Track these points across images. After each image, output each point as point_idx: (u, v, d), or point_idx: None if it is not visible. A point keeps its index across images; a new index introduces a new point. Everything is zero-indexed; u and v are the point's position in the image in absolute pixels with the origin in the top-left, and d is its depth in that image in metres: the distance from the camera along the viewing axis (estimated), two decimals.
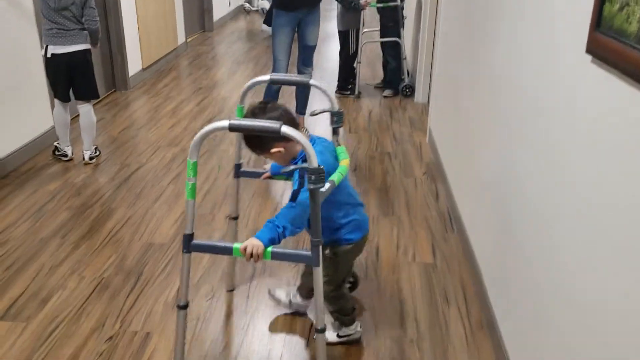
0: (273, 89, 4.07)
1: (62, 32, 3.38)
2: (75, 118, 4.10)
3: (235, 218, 2.38)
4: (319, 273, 1.69)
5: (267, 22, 7.31)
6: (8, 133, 3.58)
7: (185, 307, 1.80)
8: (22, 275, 2.52)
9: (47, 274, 2.53)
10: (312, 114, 1.96)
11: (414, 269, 2.61)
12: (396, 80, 5.21)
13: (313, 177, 1.54)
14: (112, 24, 5.10)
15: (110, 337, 2.16)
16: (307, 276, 2.22)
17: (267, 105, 1.83)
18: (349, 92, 5.23)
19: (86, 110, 3.62)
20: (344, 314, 2.11)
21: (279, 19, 3.97)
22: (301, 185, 1.72)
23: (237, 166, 2.25)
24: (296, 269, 2.59)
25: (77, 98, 3.61)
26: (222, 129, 1.52)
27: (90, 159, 3.69)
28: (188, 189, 1.63)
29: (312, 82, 2.03)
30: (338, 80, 5.26)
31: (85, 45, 3.50)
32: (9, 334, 2.16)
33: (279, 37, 3.98)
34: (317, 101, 4.59)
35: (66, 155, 3.72)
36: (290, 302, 2.28)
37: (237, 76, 5.85)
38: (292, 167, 1.66)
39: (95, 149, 3.76)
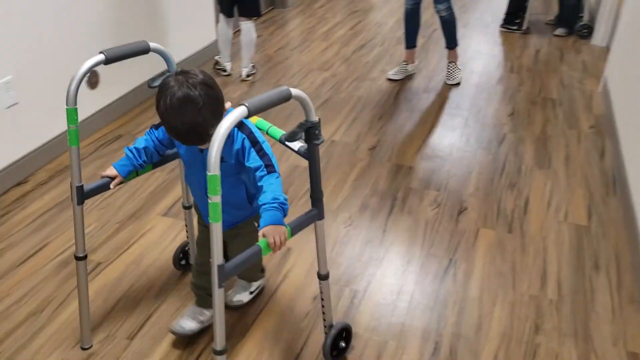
0: (414, 26, 3.81)
1: None
2: (236, 33, 4.25)
3: (84, 258, 1.76)
4: (322, 226, 1.65)
5: None
6: (176, 44, 3.81)
7: (223, 352, 1.45)
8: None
9: None
10: (152, 86, 1.57)
11: (564, 229, 2.43)
12: (573, 18, 4.69)
13: (317, 131, 1.45)
14: None
15: None
16: (203, 275, 1.84)
17: (189, 72, 1.46)
18: (515, 28, 4.81)
19: (248, 27, 3.73)
20: (258, 270, 2.03)
21: None
22: (262, 153, 1.52)
23: (79, 189, 1.64)
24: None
25: (240, 14, 3.72)
26: (243, 116, 1.28)
27: (247, 76, 3.83)
28: (213, 210, 1.31)
29: (152, 45, 1.66)
30: (505, 13, 4.86)
31: None
32: (171, 230, 2.40)
33: None
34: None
35: (225, 70, 3.90)
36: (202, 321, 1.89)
37: (393, 2, 5.64)
38: (295, 128, 1.41)
39: (253, 66, 3.89)
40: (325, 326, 1.78)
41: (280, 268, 2.19)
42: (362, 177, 2.79)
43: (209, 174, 1.26)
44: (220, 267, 1.37)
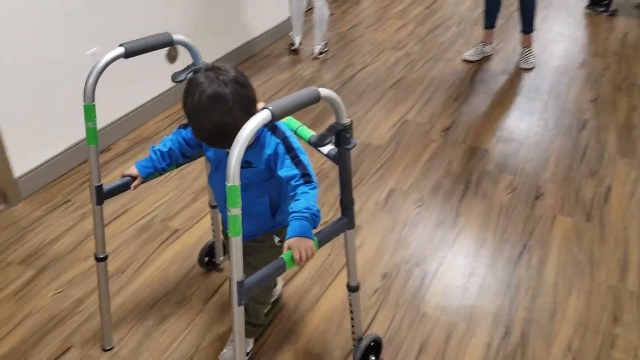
0: (495, 6, 3.66)
1: None
2: (309, 12, 4.25)
3: (104, 259, 1.70)
4: (352, 235, 1.51)
5: None
6: (255, 18, 3.86)
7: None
8: None
9: None
10: (177, 80, 1.48)
11: None
12: None
13: (348, 135, 1.31)
14: None
15: (323, 223, 2.32)
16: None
17: (221, 68, 1.33)
18: (602, 9, 4.55)
19: (320, 4, 3.72)
20: (265, 308, 1.78)
21: None
22: (297, 161, 1.40)
23: (98, 189, 1.57)
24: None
25: None
26: (266, 121, 1.15)
27: (320, 53, 3.84)
28: (233, 223, 1.18)
29: (175, 37, 1.54)
30: None
31: None
32: None
33: None
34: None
35: (293, 44, 3.92)
36: None
37: None
38: (325, 131, 1.28)
39: (325, 44, 3.88)
40: (354, 339, 1.69)
41: None
42: (435, 158, 2.74)
43: (228, 184, 1.12)
44: (240, 283, 1.23)
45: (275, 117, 1.15)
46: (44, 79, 2.54)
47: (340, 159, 1.39)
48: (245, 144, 1.12)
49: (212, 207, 1.99)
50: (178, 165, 1.67)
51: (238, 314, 1.26)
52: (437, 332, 1.84)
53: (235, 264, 1.21)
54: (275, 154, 1.40)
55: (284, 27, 4.17)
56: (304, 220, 1.31)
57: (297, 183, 1.38)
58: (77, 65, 2.65)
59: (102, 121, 2.85)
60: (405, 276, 2.06)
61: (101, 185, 1.57)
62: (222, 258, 2.10)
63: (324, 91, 1.24)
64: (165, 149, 1.59)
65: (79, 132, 2.76)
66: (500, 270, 2.08)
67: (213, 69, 1.33)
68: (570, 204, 2.41)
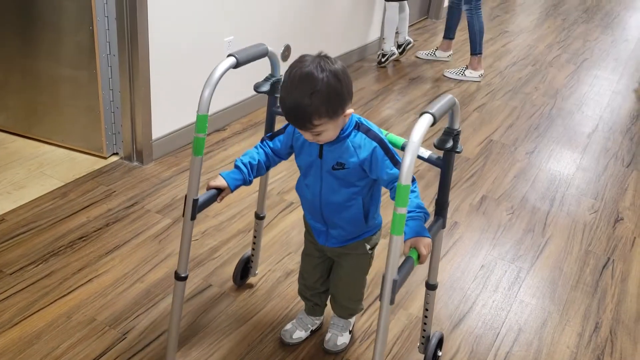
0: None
1: None
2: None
3: (185, 278, 1.61)
4: (442, 235, 1.62)
5: None
6: (353, 32, 4.19)
7: None
8: None
9: None
10: (259, 91, 1.70)
11: None
12: None
13: (458, 140, 1.43)
14: None
15: None
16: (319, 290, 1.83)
17: (330, 58, 1.38)
18: None
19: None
20: (362, 298, 1.85)
21: None
22: (395, 161, 1.45)
23: (195, 203, 1.51)
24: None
25: None
26: (429, 125, 1.23)
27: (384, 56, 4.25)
28: (398, 222, 1.23)
29: (269, 49, 1.62)
30: None
31: None
32: None
33: None
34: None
35: (394, 54, 4.27)
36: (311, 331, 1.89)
37: (544, 29, 5.77)
38: (443, 136, 1.38)
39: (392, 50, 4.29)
40: (422, 337, 1.78)
41: (450, 233, 2.45)
42: (521, 175, 3.00)
43: (401, 184, 1.19)
44: (395, 282, 1.27)
45: (436, 120, 1.25)
46: (189, 58, 2.86)
47: (445, 162, 1.51)
48: (417, 148, 1.20)
49: (259, 218, 1.98)
50: None
51: (386, 310, 1.29)
52: (533, 318, 2.07)
53: (392, 263, 1.26)
54: (372, 158, 1.45)
55: (375, 44, 4.50)
56: (419, 220, 1.39)
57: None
58: (216, 49, 2.98)
59: (220, 105, 3.17)
60: (502, 268, 2.30)
61: (198, 199, 1.51)
62: (257, 273, 2.12)
63: (455, 99, 1.38)
64: (254, 162, 1.60)
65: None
66: (588, 275, 2.31)
67: (324, 56, 1.37)
68: None
